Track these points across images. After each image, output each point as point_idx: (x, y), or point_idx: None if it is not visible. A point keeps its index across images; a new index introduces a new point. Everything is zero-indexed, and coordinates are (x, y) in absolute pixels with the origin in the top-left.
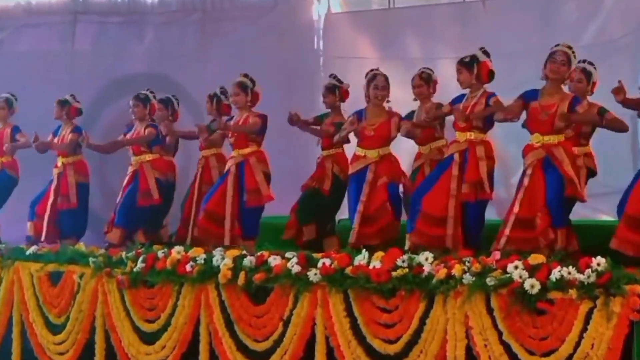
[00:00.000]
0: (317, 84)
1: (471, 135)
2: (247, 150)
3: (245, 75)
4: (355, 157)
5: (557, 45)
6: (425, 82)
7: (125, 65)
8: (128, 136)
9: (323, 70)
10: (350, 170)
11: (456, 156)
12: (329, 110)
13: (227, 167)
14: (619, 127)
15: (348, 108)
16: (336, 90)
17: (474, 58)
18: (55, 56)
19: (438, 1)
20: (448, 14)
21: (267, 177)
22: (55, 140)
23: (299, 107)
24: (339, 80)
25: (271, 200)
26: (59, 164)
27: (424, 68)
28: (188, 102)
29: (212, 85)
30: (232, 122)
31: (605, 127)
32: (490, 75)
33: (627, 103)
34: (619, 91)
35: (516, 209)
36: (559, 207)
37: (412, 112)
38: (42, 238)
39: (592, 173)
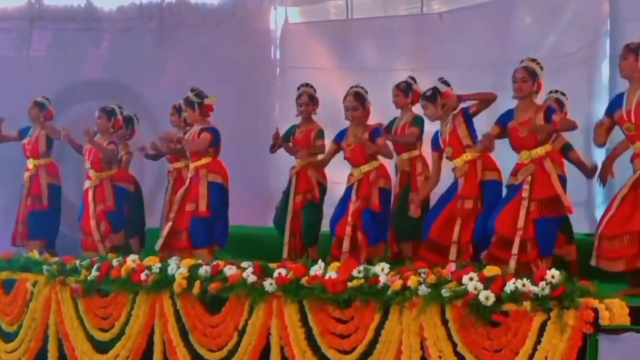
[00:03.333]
0: (273, 93)
1: None
2: (199, 163)
3: (192, 90)
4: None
5: (522, 61)
6: (402, 91)
7: (81, 72)
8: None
9: (279, 80)
10: None
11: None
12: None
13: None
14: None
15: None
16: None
17: (435, 90)
18: (11, 62)
19: (395, 12)
20: (405, 25)
21: (221, 189)
22: (27, 141)
23: (255, 115)
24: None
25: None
26: (30, 166)
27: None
28: (145, 109)
29: (169, 92)
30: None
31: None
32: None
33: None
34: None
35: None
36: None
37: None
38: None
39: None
